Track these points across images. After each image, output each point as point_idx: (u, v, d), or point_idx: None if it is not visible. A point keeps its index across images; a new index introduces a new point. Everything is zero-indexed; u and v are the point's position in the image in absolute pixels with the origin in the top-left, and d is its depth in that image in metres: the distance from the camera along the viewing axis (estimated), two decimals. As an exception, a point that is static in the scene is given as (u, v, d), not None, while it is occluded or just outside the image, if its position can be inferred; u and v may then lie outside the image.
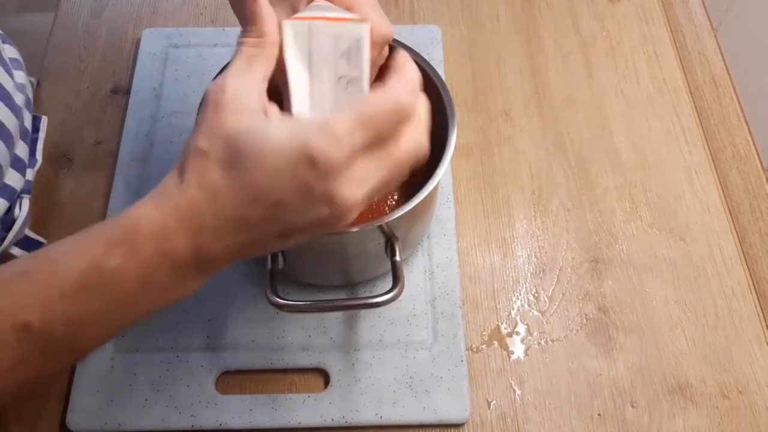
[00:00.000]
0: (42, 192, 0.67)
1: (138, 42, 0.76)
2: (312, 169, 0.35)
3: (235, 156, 0.36)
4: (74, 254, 0.37)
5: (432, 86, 0.57)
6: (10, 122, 0.57)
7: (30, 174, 0.64)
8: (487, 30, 0.78)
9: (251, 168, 0.36)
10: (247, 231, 0.37)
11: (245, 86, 0.38)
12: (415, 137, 0.38)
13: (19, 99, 0.61)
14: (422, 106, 0.39)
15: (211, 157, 0.36)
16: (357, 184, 0.36)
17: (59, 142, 0.70)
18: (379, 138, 0.37)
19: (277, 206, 0.36)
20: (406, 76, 0.38)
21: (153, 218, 0.36)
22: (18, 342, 0.36)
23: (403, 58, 0.40)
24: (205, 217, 0.36)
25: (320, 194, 0.36)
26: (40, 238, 0.63)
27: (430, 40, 0.76)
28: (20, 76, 0.65)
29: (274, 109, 0.38)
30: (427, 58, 0.57)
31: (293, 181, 0.35)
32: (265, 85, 0.39)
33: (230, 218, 0.36)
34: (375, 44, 0.43)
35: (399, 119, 0.37)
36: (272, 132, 0.36)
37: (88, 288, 0.36)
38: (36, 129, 0.68)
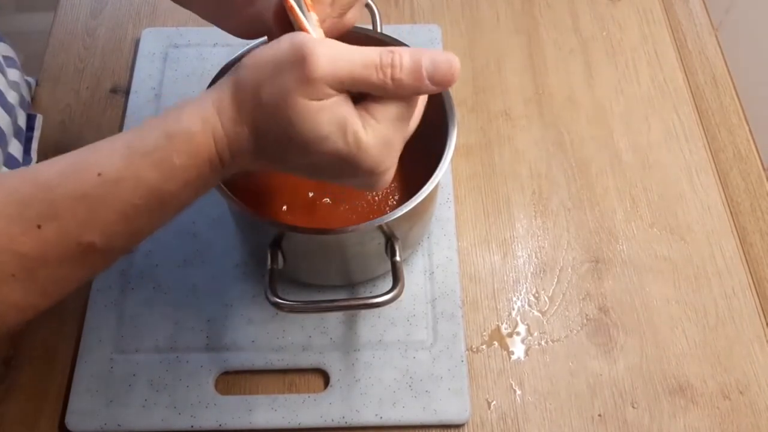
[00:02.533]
0: (42, 192, 0.67)
1: (137, 42, 0.76)
2: (298, 69, 0.36)
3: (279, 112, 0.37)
4: (131, 180, 0.38)
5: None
6: (3, 120, 0.57)
7: None
8: (487, 30, 0.78)
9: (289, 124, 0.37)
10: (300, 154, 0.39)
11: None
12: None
13: (12, 97, 0.61)
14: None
15: (254, 93, 0.38)
16: (394, 158, 0.41)
17: (59, 141, 0.70)
18: (368, 82, 0.38)
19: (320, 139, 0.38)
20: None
21: (208, 144, 0.38)
22: (84, 256, 0.38)
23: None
24: (254, 128, 0.38)
25: (363, 169, 0.39)
26: None
27: (430, 40, 0.76)
28: (14, 74, 0.65)
29: None
30: (427, 57, 0.57)
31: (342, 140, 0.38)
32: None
33: (279, 135, 0.38)
34: None
35: (454, 72, 0.43)
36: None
37: (149, 211, 0.38)
38: (31, 128, 0.68)
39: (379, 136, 0.39)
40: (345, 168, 0.39)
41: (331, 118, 0.37)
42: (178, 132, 0.38)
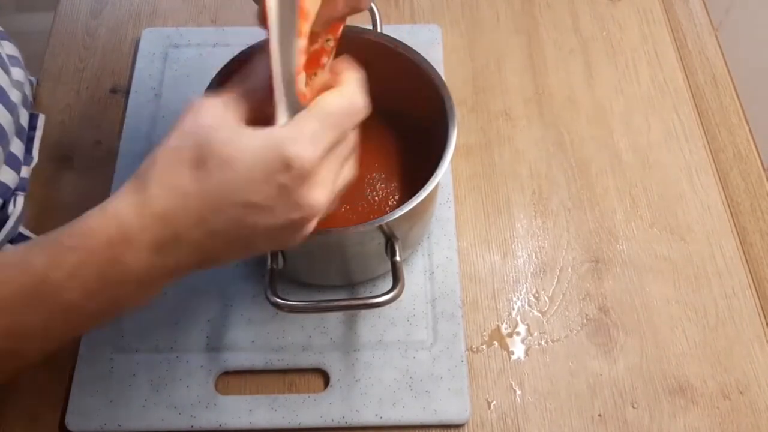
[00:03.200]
0: (42, 192, 0.67)
1: (137, 42, 0.76)
2: (287, 172, 0.35)
3: (206, 155, 0.35)
4: (17, 266, 0.35)
5: (432, 86, 0.57)
6: (5, 119, 0.57)
7: (26, 171, 0.64)
8: (487, 30, 0.78)
9: (222, 168, 0.35)
10: (212, 237, 0.36)
11: (225, 100, 0.38)
12: (353, 137, 0.41)
13: (15, 96, 0.61)
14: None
15: (182, 155, 0.35)
16: (324, 185, 0.37)
17: (59, 141, 0.70)
18: (341, 137, 0.38)
19: (249, 208, 0.35)
20: (355, 75, 0.40)
21: (107, 226, 0.35)
22: None
23: (347, 59, 0.42)
24: (168, 220, 0.35)
25: (296, 197, 0.36)
26: (34, 236, 0.63)
27: (430, 40, 0.76)
28: (18, 73, 0.65)
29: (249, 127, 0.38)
30: (427, 58, 0.57)
31: (268, 185, 0.35)
32: (244, 103, 0.39)
33: (195, 221, 0.35)
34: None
35: (357, 118, 0.39)
36: (245, 134, 0.36)
37: (30, 301, 0.35)
38: (33, 127, 0.68)
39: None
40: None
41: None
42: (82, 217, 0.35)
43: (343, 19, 0.49)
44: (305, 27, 0.39)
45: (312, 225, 0.39)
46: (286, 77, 0.39)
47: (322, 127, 0.36)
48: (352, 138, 0.40)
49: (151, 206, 0.35)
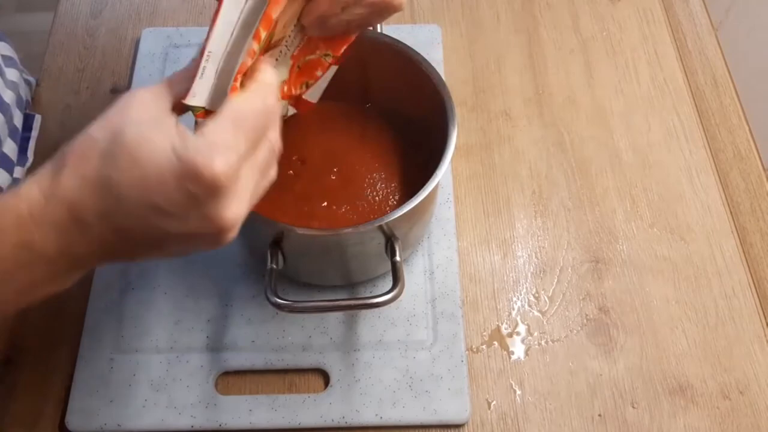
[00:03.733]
0: (42, 192, 0.67)
1: (137, 42, 0.76)
2: (197, 183, 0.34)
3: (119, 151, 0.34)
4: None
5: (432, 86, 0.57)
6: None
7: (19, 172, 0.64)
8: (487, 30, 0.78)
9: (132, 166, 0.34)
10: (117, 232, 0.35)
11: (157, 90, 0.38)
12: (273, 139, 0.39)
13: (8, 96, 0.61)
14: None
15: (97, 146, 0.35)
16: (239, 199, 0.36)
17: (59, 142, 0.70)
18: (257, 141, 0.37)
19: (156, 211, 0.34)
20: (266, 80, 0.39)
21: (17, 206, 0.35)
22: None
23: (262, 62, 0.40)
24: (73, 207, 0.35)
25: (207, 210, 0.35)
26: None
27: (430, 40, 0.76)
28: (12, 73, 0.65)
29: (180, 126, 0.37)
30: (427, 58, 0.58)
31: (177, 192, 0.34)
32: (177, 88, 0.39)
33: (99, 213, 0.35)
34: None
35: (270, 120, 0.38)
36: (163, 134, 0.35)
37: None
38: (29, 128, 0.68)
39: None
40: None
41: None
42: None
43: (347, 38, 0.49)
44: (262, 33, 0.39)
45: (231, 235, 0.37)
46: (226, 66, 0.39)
47: (235, 135, 0.35)
48: (272, 141, 0.38)
49: (59, 191, 0.35)
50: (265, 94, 0.38)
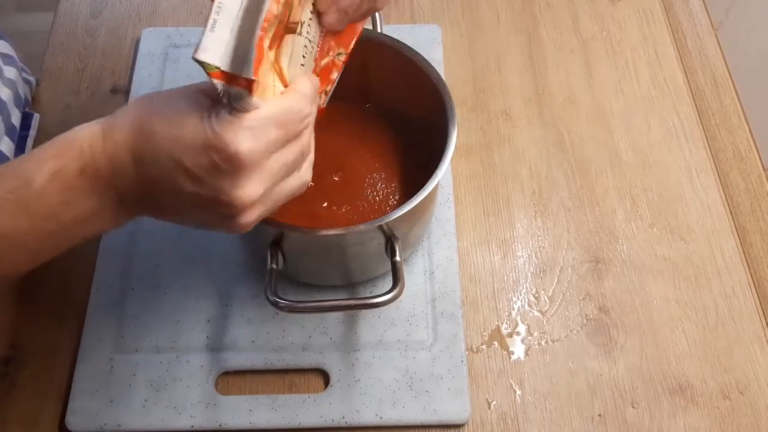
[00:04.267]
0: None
1: (137, 42, 0.76)
2: (219, 154, 0.37)
3: (166, 110, 0.39)
4: (7, 171, 0.39)
5: (432, 86, 0.57)
6: None
7: None
8: (487, 30, 0.78)
9: (169, 124, 0.38)
10: (146, 179, 0.39)
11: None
12: (305, 143, 0.42)
13: (5, 94, 0.61)
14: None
15: (153, 103, 0.40)
16: (257, 182, 0.38)
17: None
18: (285, 138, 0.39)
19: (180, 167, 0.38)
20: (305, 89, 0.41)
21: (81, 138, 0.39)
22: None
23: (300, 75, 0.43)
24: (120, 145, 0.39)
25: (224, 182, 0.38)
26: None
27: (430, 40, 0.76)
28: (10, 71, 0.65)
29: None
30: (427, 58, 0.58)
31: (202, 156, 0.37)
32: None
33: (137, 156, 0.39)
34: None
35: (303, 123, 0.40)
36: (197, 106, 0.38)
37: (14, 205, 0.38)
38: (27, 126, 0.68)
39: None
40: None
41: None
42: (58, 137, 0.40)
43: (355, 30, 0.49)
44: None
45: (244, 219, 0.40)
46: (244, 24, 0.37)
47: (266, 126, 0.38)
48: (302, 145, 0.41)
49: (115, 129, 0.39)
50: (303, 100, 0.40)
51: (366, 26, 0.60)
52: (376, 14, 0.62)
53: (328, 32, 0.47)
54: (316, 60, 0.47)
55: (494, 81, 0.74)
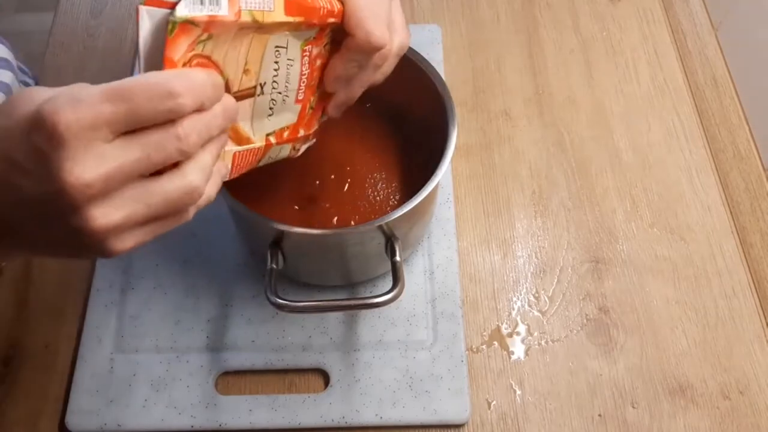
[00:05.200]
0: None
1: (138, 42, 0.76)
2: (39, 132, 0.30)
3: (5, 103, 0.33)
4: None
5: (432, 86, 0.57)
6: None
7: None
8: (487, 30, 0.78)
9: (2, 114, 0.33)
10: None
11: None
12: (181, 134, 0.33)
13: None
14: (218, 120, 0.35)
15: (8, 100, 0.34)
16: (89, 162, 0.31)
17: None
18: (132, 117, 0.32)
19: (10, 164, 0.32)
20: (191, 72, 0.34)
21: None
22: None
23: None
24: None
25: (50, 164, 0.31)
26: None
27: (430, 40, 0.76)
28: (7, 76, 0.65)
29: None
30: (427, 58, 0.57)
31: (26, 142, 0.31)
32: None
33: None
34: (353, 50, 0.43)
35: (162, 103, 0.32)
36: (38, 92, 0.33)
37: None
38: None
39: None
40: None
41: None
42: None
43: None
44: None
45: (96, 221, 0.32)
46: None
47: (96, 95, 0.31)
48: (176, 137, 0.33)
49: None
50: (165, 80, 0.32)
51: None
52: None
53: (314, 67, 0.46)
54: (302, 101, 0.46)
55: (494, 81, 0.74)
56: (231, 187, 0.51)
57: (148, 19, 0.34)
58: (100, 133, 0.31)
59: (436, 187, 0.53)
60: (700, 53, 0.77)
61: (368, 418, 0.55)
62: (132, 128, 0.32)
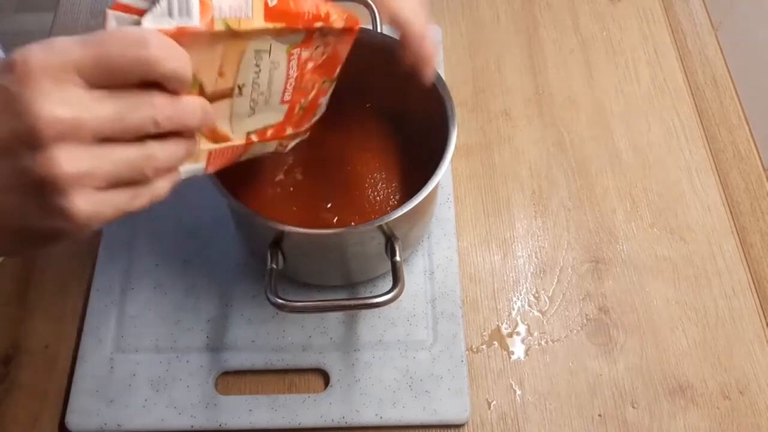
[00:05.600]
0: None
1: (138, 42, 0.76)
2: (9, 73, 0.30)
3: None
4: None
5: (432, 86, 0.57)
6: None
7: None
8: (487, 30, 0.78)
9: None
10: None
11: None
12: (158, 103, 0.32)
13: None
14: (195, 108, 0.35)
15: None
16: (63, 102, 0.30)
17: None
18: (103, 63, 0.31)
19: None
20: (165, 36, 0.33)
21: None
22: None
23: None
24: None
25: (16, 100, 0.30)
26: None
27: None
28: None
29: None
30: (427, 57, 0.57)
31: None
32: None
33: None
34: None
35: (133, 50, 0.31)
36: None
37: None
38: None
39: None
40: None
41: None
42: None
43: (338, 58, 0.48)
44: None
45: (63, 167, 0.30)
46: None
47: (72, 40, 0.30)
48: (152, 106, 0.32)
49: None
50: (156, 36, 0.32)
51: (366, 26, 0.60)
52: (376, 14, 0.62)
53: (304, 70, 0.45)
54: (290, 101, 0.46)
55: (494, 81, 0.74)
56: (231, 187, 0.51)
57: (115, 24, 0.34)
58: (71, 76, 0.30)
59: (436, 187, 0.53)
60: (700, 53, 0.77)
61: (368, 418, 0.55)
62: (104, 81, 0.31)
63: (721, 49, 0.77)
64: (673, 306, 0.61)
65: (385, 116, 0.63)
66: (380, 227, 0.51)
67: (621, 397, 0.57)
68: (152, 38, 0.32)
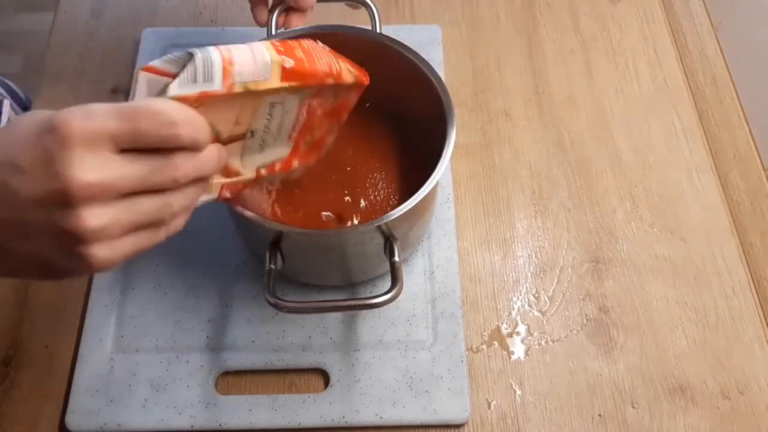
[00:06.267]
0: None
1: (138, 42, 0.76)
2: (51, 134, 0.33)
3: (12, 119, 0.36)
4: None
5: (432, 86, 0.57)
6: None
7: None
8: (487, 30, 0.78)
9: (7, 128, 0.36)
10: None
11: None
12: (180, 166, 0.37)
13: None
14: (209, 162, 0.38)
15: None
16: (89, 164, 0.34)
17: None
18: (135, 136, 0.35)
19: (12, 168, 0.34)
20: (191, 111, 0.37)
21: None
22: None
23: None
24: None
25: (54, 162, 0.33)
26: None
27: (430, 40, 0.76)
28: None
29: None
30: (427, 58, 0.58)
31: (34, 147, 0.34)
32: None
33: None
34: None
35: (162, 129, 0.35)
36: (35, 111, 0.36)
37: None
38: None
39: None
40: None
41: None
42: None
43: (347, 104, 0.51)
44: None
45: (88, 221, 0.34)
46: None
47: (106, 110, 0.34)
48: (175, 167, 0.36)
49: None
50: (172, 104, 0.36)
51: (365, 26, 0.60)
52: (375, 14, 0.62)
53: (314, 115, 0.49)
54: (296, 138, 0.49)
55: (494, 81, 0.74)
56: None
57: (145, 85, 0.38)
58: (105, 144, 0.34)
59: (436, 186, 0.53)
60: (700, 53, 0.77)
61: (368, 418, 0.55)
62: (133, 147, 0.35)
63: (721, 49, 0.77)
64: (673, 306, 0.61)
65: (385, 116, 0.63)
66: (380, 227, 0.51)
67: (621, 397, 0.57)
68: (179, 118, 0.36)
